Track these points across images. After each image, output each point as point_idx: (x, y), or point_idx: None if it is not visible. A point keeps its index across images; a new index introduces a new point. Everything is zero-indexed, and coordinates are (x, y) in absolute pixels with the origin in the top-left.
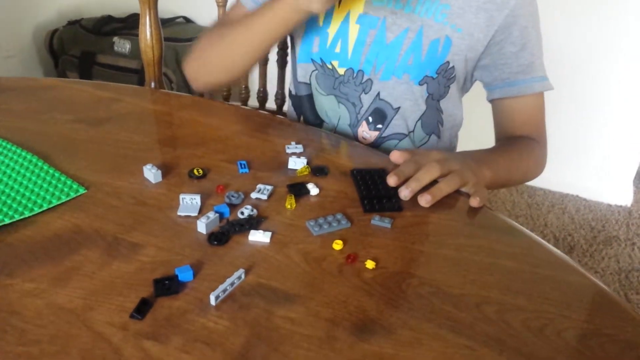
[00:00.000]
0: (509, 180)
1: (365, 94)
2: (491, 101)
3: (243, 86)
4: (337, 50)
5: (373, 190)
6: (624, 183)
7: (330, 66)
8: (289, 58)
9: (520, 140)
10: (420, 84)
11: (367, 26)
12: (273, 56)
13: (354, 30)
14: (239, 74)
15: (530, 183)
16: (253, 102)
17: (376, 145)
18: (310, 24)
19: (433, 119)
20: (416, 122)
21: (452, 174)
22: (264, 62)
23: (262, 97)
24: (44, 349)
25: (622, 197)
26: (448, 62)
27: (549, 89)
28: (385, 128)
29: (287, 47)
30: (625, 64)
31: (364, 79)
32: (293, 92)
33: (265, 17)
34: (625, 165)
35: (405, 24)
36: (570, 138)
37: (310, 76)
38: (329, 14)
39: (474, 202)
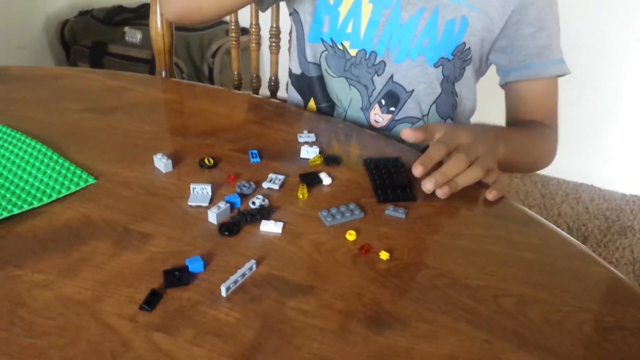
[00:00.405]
0: (522, 163)
1: (378, 76)
2: (504, 85)
3: (254, 75)
4: (349, 30)
5: (387, 180)
6: (639, 172)
7: (341, 47)
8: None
9: (533, 125)
10: (435, 66)
11: (381, 5)
12: (285, 44)
13: (366, 9)
14: (207, 14)
15: (544, 172)
16: (264, 90)
17: (389, 129)
18: (319, 2)
19: (448, 103)
20: (430, 105)
21: (475, 166)
22: (276, 51)
23: (274, 86)
24: (52, 341)
25: (638, 187)
26: (464, 43)
27: (566, 72)
28: (398, 111)
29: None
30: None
31: (377, 61)
32: (298, 72)
33: None
34: None
35: (420, 3)
36: (585, 127)
37: (320, 57)
38: None
39: (490, 195)
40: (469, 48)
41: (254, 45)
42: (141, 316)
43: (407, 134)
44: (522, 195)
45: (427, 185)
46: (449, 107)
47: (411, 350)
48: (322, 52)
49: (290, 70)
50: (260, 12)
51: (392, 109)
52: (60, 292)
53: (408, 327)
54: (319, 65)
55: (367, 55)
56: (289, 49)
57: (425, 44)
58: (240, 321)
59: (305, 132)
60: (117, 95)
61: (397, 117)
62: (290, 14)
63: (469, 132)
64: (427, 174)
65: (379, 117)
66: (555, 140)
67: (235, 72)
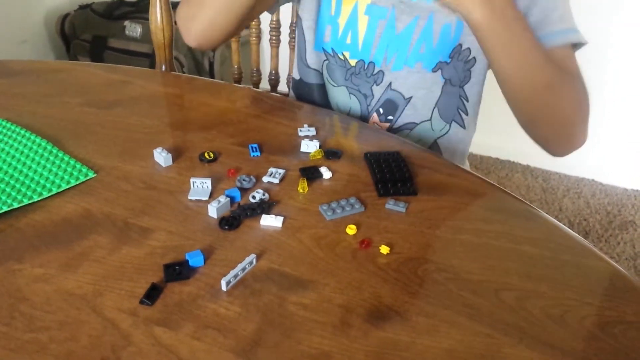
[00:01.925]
0: (520, 78)
1: (377, 85)
2: None
3: (254, 69)
4: (348, 41)
5: (387, 174)
6: None
7: (342, 57)
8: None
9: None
10: (433, 70)
11: (376, 17)
12: (285, 38)
13: (363, 21)
14: (224, 28)
15: (545, 167)
16: (265, 84)
17: None
18: (321, 12)
19: (452, 106)
20: (432, 109)
21: None
22: (276, 44)
23: (274, 79)
24: (52, 336)
25: (639, 181)
26: (461, 45)
27: (573, 40)
28: (397, 119)
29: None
30: None
31: (375, 71)
32: (297, 77)
33: None
34: None
35: (415, 12)
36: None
37: (322, 66)
38: (338, 3)
39: None
40: (468, 48)
41: (254, 38)
42: (142, 310)
43: None
44: (524, 190)
45: None
46: (454, 111)
47: (412, 344)
48: (324, 61)
49: (293, 78)
50: None
51: (390, 117)
52: (61, 286)
53: (408, 322)
54: (320, 73)
55: (366, 66)
56: (290, 42)
57: (422, 50)
58: (240, 315)
59: (305, 126)
60: (118, 89)
61: (395, 125)
62: (296, 20)
63: None
64: None
65: (377, 127)
66: (584, 88)
67: (236, 66)
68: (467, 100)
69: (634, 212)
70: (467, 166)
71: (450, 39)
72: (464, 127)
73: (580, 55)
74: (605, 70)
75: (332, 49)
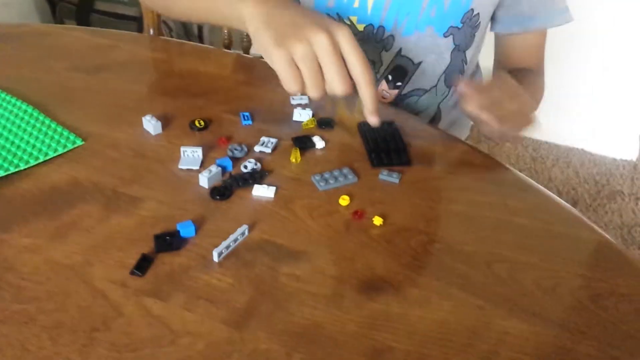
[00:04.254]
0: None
1: (386, 51)
2: (496, 32)
3: (245, 33)
4: (356, 5)
5: (381, 144)
6: (630, 137)
7: (348, 22)
8: None
9: (526, 73)
10: (445, 36)
11: None
12: None
13: None
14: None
15: (535, 136)
16: (255, 50)
17: (395, 104)
18: None
19: (455, 71)
20: (439, 76)
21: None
22: None
23: None
24: (41, 306)
25: (628, 151)
26: (472, 10)
27: (569, 20)
28: (405, 85)
29: None
30: (633, 14)
31: (385, 36)
32: None
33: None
34: (632, 119)
35: None
36: (575, 91)
37: None
38: None
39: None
40: (478, 14)
41: None
42: (132, 281)
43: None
44: (513, 159)
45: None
46: (456, 76)
47: (404, 315)
48: None
49: None
50: None
51: (399, 83)
52: (49, 256)
53: (401, 293)
54: None
55: (375, 30)
56: None
57: (433, 14)
58: (232, 286)
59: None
60: (104, 53)
61: (404, 92)
62: None
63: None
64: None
65: (386, 93)
66: (544, 82)
67: (225, 31)
68: (466, 64)
69: (622, 181)
70: (467, 130)
71: (462, 3)
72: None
73: (569, 27)
74: (595, 43)
75: (337, 13)
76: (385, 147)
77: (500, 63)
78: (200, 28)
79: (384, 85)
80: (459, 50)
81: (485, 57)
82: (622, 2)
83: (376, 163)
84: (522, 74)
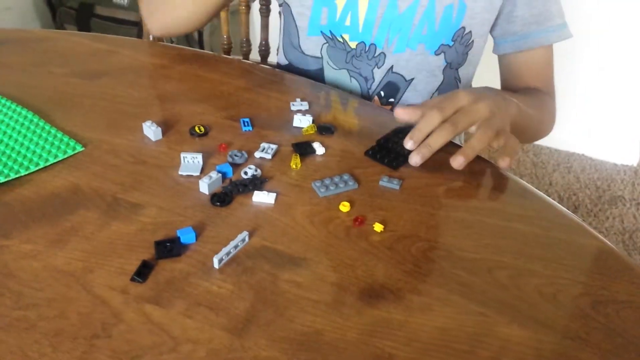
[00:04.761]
0: (528, 128)
1: (378, 68)
2: (499, 54)
3: (244, 39)
4: (347, 23)
5: (389, 144)
6: (631, 142)
7: (341, 39)
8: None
9: (533, 91)
10: (436, 53)
11: None
12: (275, 7)
13: (363, 1)
14: (188, 23)
15: (536, 142)
16: (255, 55)
17: None
18: None
19: (449, 89)
20: (432, 93)
21: (482, 129)
22: (266, 14)
23: (264, 50)
24: (41, 313)
25: (629, 157)
26: (464, 28)
27: (567, 37)
28: (398, 101)
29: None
30: (635, 20)
31: (377, 53)
32: (285, 63)
33: None
34: (633, 124)
35: None
36: (577, 96)
37: (322, 49)
38: None
39: (503, 163)
40: (470, 32)
41: (243, 8)
42: (132, 288)
43: (401, 112)
44: (514, 165)
45: (414, 159)
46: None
47: (405, 322)
48: (323, 44)
49: (278, 64)
50: None
51: (391, 100)
52: (49, 262)
53: (402, 300)
54: (320, 59)
55: (367, 48)
56: (280, 13)
57: (424, 32)
58: (233, 293)
59: (298, 100)
60: (104, 59)
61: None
62: (280, 5)
63: (469, 93)
64: None
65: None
66: (554, 106)
67: (225, 36)
68: (460, 82)
69: (623, 187)
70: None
71: (452, 21)
72: None
73: (580, 30)
74: (598, 47)
75: (330, 31)
76: (389, 148)
77: (505, 84)
78: (200, 33)
79: (376, 101)
80: (451, 68)
81: (480, 75)
82: (620, 6)
83: (370, 154)
84: (529, 93)
